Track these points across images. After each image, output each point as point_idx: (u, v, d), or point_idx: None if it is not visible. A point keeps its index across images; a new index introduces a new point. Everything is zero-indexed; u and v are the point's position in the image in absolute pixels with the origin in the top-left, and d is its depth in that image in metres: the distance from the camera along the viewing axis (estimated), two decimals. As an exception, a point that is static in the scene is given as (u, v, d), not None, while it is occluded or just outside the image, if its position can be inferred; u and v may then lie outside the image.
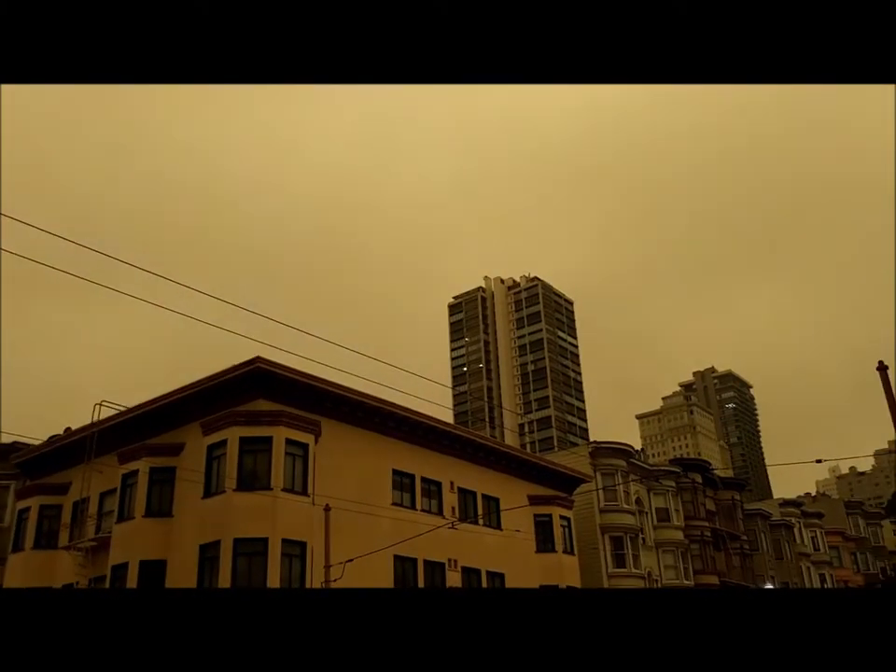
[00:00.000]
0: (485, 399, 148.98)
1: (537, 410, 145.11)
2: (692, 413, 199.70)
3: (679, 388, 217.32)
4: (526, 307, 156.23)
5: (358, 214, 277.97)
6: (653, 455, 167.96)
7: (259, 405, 22.41)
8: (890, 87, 3.89)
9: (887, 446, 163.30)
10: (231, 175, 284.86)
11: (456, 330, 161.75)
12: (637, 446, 61.78)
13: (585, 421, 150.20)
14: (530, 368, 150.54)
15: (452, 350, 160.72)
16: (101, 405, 22.66)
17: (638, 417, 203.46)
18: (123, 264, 12.27)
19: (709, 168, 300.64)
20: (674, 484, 42.66)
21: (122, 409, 23.20)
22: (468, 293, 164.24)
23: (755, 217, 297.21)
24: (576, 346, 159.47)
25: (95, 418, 23.15)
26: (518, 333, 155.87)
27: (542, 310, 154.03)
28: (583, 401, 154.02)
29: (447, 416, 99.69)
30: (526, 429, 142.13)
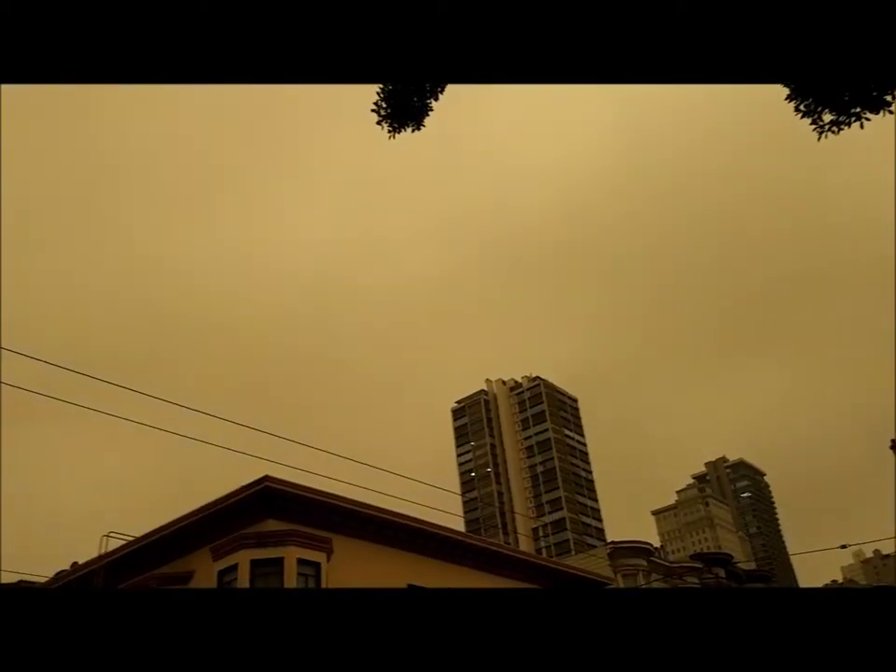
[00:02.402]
0: (496, 504, 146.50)
1: (550, 512, 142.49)
2: (707, 505, 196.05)
3: (692, 481, 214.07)
4: (531, 407, 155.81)
5: (337, 323, 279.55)
6: (673, 552, 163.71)
7: (269, 525, 22.04)
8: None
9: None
10: (201, 290, 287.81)
11: (461, 435, 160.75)
12: (656, 543, 60.43)
13: (600, 521, 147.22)
14: (539, 469, 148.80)
15: (458, 455, 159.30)
16: (108, 536, 22.31)
17: (654, 513, 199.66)
18: (106, 386, 12.36)
19: (699, 242, 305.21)
20: (698, 581, 41.46)
21: (130, 538, 22.81)
22: (470, 396, 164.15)
23: (751, 293, 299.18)
24: (584, 444, 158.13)
25: (102, 550, 22.72)
26: (524, 434, 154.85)
27: (547, 409, 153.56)
28: (596, 500, 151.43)
29: (459, 524, 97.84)
30: (541, 533, 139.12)
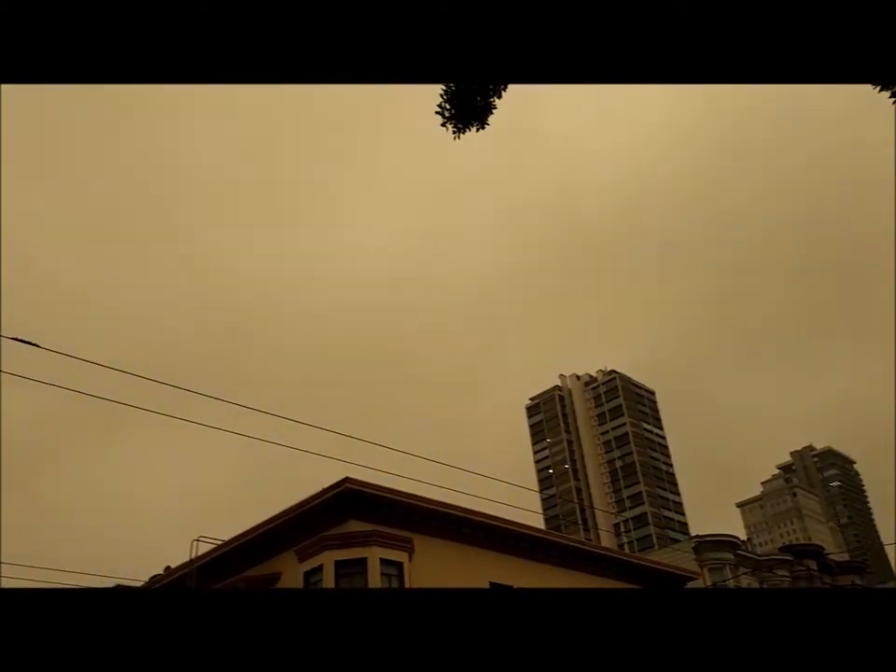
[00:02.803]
0: (575, 500, 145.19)
1: (631, 507, 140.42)
2: (795, 495, 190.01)
3: (777, 471, 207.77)
4: (607, 402, 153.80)
5: (410, 324, 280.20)
6: (761, 545, 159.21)
7: (351, 526, 22.37)
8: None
9: None
10: (276, 298, 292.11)
11: (537, 432, 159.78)
12: (742, 536, 58.91)
13: (683, 514, 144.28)
14: (618, 464, 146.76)
15: (535, 453, 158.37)
16: (198, 541, 23.00)
17: (739, 505, 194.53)
18: (192, 396, 12.72)
19: (773, 221, 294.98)
20: (788, 573, 40.25)
21: (219, 542, 23.50)
22: (544, 393, 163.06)
23: (838, 273, 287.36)
24: (663, 437, 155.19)
25: (193, 554, 23.45)
26: (601, 429, 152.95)
27: (623, 403, 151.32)
28: (678, 494, 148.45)
29: (538, 522, 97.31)
30: (622, 529, 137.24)
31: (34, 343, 7.77)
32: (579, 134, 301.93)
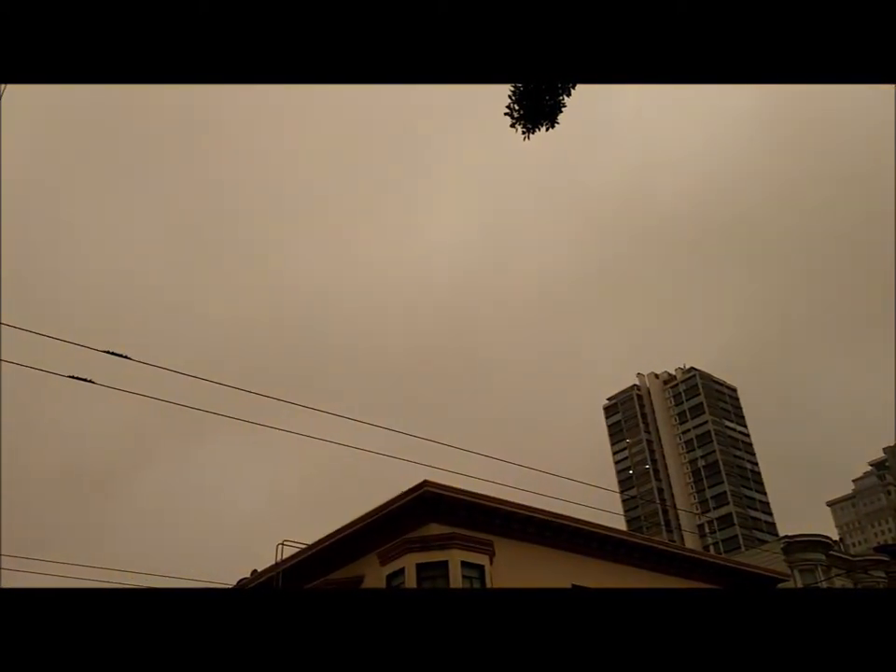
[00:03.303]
0: (657, 501, 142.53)
1: (715, 508, 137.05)
2: (889, 493, 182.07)
3: (869, 468, 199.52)
4: (687, 400, 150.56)
5: (483, 325, 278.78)
6: (854, 545, 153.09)
7: (431, 529, 22.51)
8: None
9: None
10: (349, 303, 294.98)
11: (616, 432, 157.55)
12: (834, 536, 56.79)
13: (770, 514, 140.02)
14: (700, 463, 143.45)
15: (614, 454, 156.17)
16: (283, 545, 23.52)
17: (830, 504, 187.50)
18: (270, 401, 12.99)
19: (856, 213, 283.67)
20: (884, 575, 38.60)
21: (303, 546, 23.98)
22: (622, 392, 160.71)
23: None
24: (747, 435, 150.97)
25: (278, 558, 23.98)
26: (682, 428, 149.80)
27: (704, 400, 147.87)
28: (765, 493, 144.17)
29: (619, 523, 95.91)
30: (707, 530, 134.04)
31: (125, 355, 8.14)
32: (658, 122, 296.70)
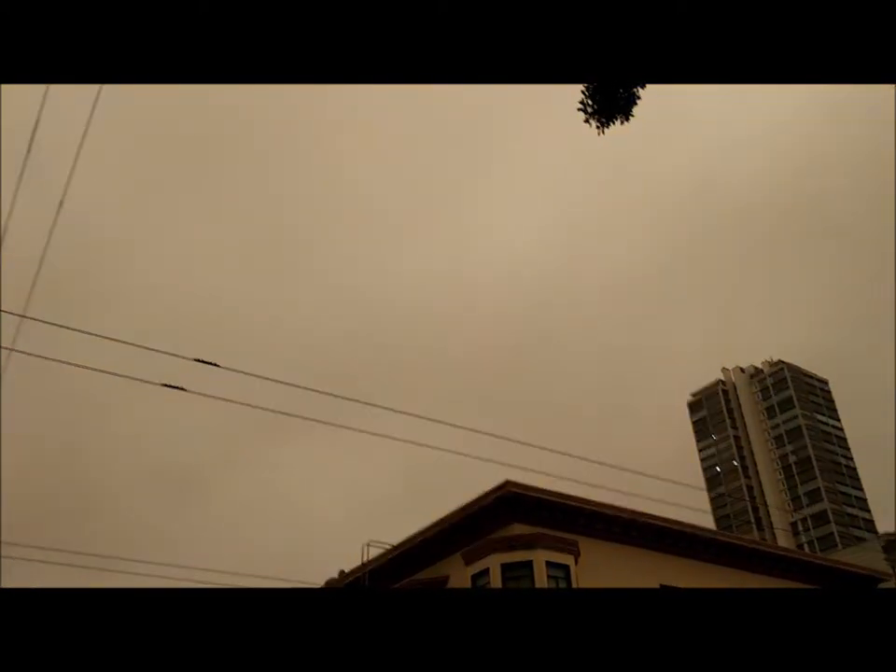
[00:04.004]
0: (747, 498, 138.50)
1: (808, 505, 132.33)
2: None
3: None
4: (775, 394, 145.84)
5: (557, 323, 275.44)
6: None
7: (515, 529, 22.46)
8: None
9: None
10: (422, 303, 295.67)
11: (701, 429, 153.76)
12: (939, 533, 53.85)
13: (868, 511, 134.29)
14: (792, 459, 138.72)
15: (700, 451, 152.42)
16: (368, 545, 23.87)
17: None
18: (348, 403, 13.17)
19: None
20: None
21: (388, 546, 24.27)
22: (706, 388, 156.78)
23: None
24: (840, 429, 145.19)
25: (365, 558, 24.34)
26: (771, 423, 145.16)
27: (794, 394, 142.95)
28: (861, 489, 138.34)
29: (707, 522, 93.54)
30: (800, 527, 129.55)
31: (215, 363, 8.43)
32: (729, 114, 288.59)
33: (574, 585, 21.66)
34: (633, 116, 6.04)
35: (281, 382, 11.81)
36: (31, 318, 11.37)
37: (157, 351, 8.64)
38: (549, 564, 21.59)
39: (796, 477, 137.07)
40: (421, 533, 25.04)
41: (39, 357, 11.58)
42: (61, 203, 11.10)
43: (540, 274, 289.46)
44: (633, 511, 24.30)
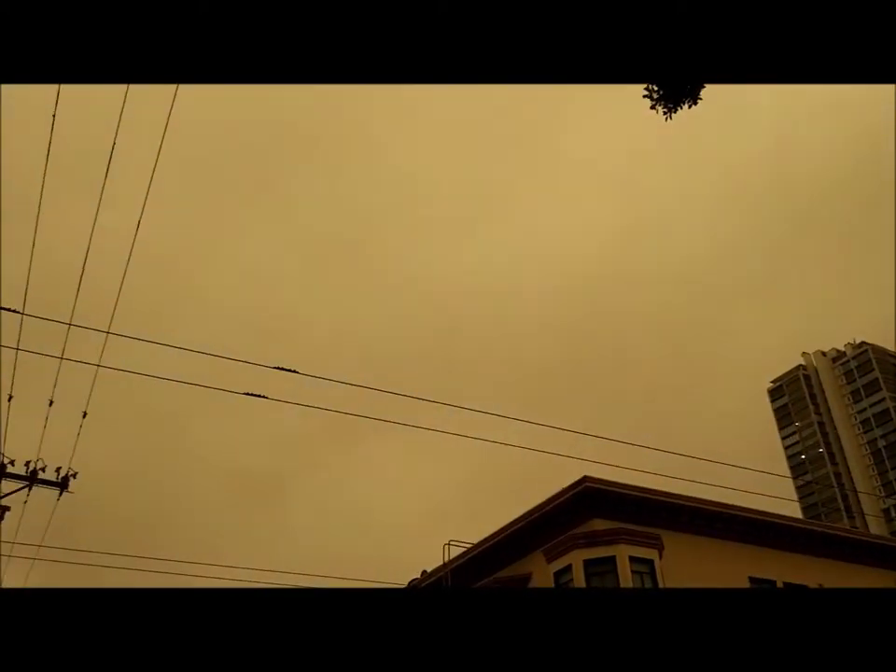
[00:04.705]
0: (835, 485, 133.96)
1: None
2: None
3: None
4: (860, 377, 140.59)
5: (625, 311, 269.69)
6: None
7: (595, 525, 22.26)
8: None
9: None
10: (482, 296, 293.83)
11: (783, 416, 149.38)
12: None
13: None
14: (881, 444, 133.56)
15: (782, 438, 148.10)
16: (449, 545, 23.98)
17: None
18: (414, 401, 13.22)
19: None
20: None
21: (469, 545, 24.35)
22: (787, 374, 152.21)
23: None
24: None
25: (446, 558, 24.46)
26: (857, 408, 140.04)
27: (880, 376, 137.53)
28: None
29: (794, 511, 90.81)
30: (893, 514, 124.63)
31: (294, 370, 8.65)
32: (787, 90, 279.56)
33: (659, 580, 21.33)
34: (701, 99, 5.94)
35: (356, 385, 11.97)
36: (114, 334, 11.81)
37: (240, 361, 8.93)
38: (632, 559, 21.31)
39: (886, 462, 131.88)
40: (500, 531, 25.05)
41: (126, 371, 12.01)
42: (138, 224, 11.48)
43: (608, 263, 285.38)
44: (717, 503, 23.79)
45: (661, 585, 21.25)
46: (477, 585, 24.48)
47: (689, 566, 22.63)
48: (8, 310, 11.78)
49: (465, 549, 25.30)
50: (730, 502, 24.31)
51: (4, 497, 17.97)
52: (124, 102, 8.80)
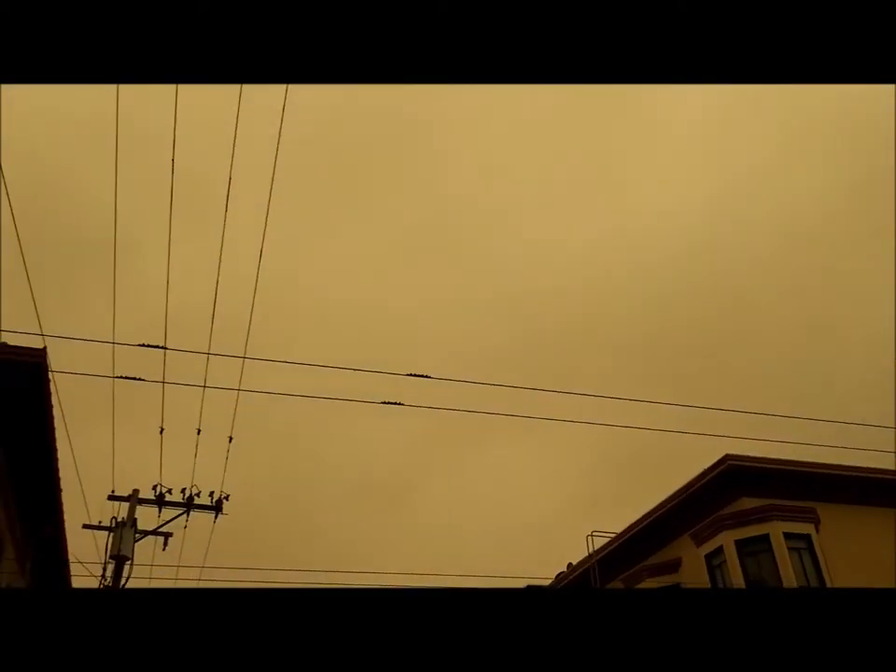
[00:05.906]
0: None
1: None
2: None
3: None
4: None
5: (735, 264, 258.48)
6: None
7: (743, 503, 21.48)
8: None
9: None
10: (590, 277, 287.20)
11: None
12: None
13: None
14: None
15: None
16: (592, 535, 23.74)
17: None
18: (531, 392, 13.08)
19: None
20: None
21: (612, 535, 24.02)
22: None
23: None
24: None
25: (590, 549, 24.24)
26: None
27: None
28: None
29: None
30: None
31: (427, 375, 8.79)
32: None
33: (818, 555, 20.39)
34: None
35: (482, 383, 12.04)
36: (251, 358, 12.32)
37: (374, 371, 9.16)
38: (787, 535, 20.45)
39: None
40: (643, 518, 24.60)
41: (264, 392, 12.49)
42: (261, 253, 11.91)
43: (712, 235, 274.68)
44: (872, 469, 22.48)
45: (820, 560, 20.29)
46: (626, 575, 24.12)
47: (849, 538, 21.53)
48: (153, 346, 12.49)
49: (608, 539, 25.00)
50: (885, 467, 22.93)
51: (166, 524, 19.12)
52: (236, 125, 9.17)
